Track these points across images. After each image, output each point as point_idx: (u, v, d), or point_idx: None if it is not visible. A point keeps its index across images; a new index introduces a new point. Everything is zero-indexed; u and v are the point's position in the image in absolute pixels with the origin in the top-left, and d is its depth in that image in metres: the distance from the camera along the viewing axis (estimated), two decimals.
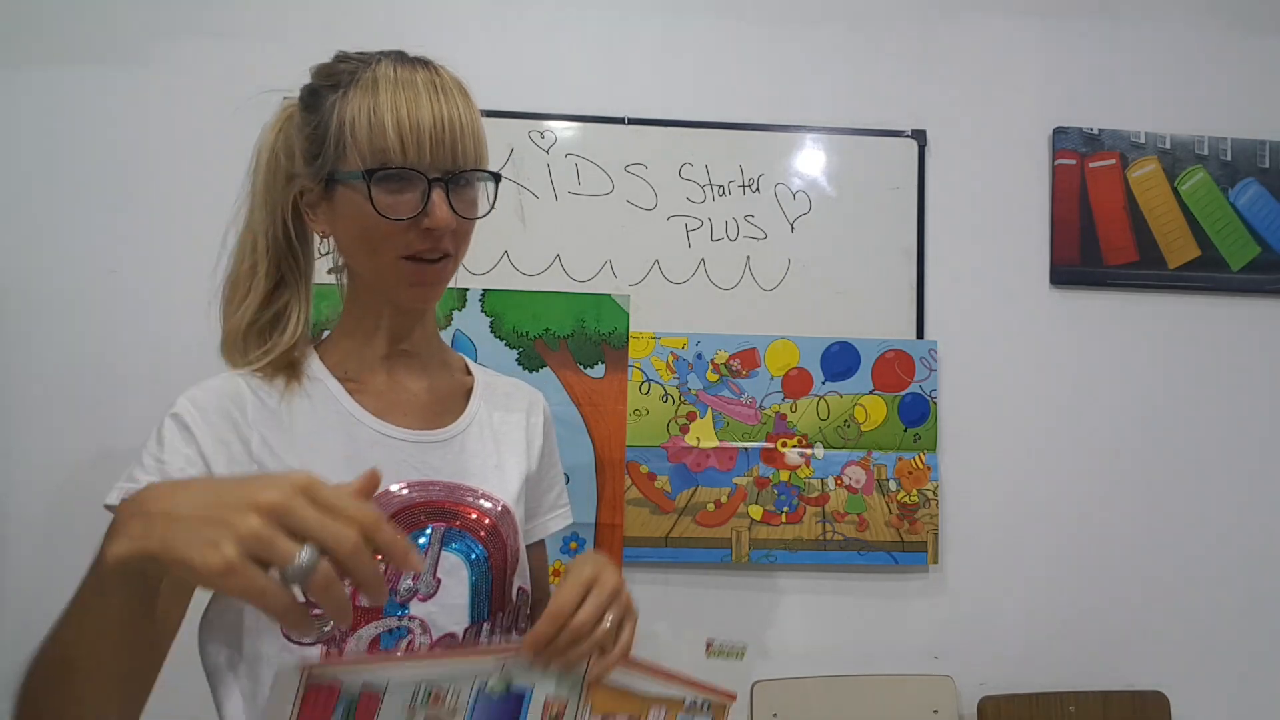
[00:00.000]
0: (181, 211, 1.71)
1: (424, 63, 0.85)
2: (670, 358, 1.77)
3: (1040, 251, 1.87)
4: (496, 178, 0.85)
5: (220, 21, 1.75)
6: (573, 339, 1.76)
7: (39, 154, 1.71)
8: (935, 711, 1.74)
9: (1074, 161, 1.86)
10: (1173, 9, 1.92)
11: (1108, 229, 1.86)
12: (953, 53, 1.88)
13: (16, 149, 1.71)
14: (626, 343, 1.77)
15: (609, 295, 1.77)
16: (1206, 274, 1.88)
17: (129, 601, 0.59)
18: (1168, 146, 1.88)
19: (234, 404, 0.85)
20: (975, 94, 1.88)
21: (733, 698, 0.89)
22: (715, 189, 1.81)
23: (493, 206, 0.86)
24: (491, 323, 1.75)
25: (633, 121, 1.80)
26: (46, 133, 1.71)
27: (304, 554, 0.51)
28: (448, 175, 0.81)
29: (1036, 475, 1.84)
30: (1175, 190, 1.87)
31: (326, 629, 0.63)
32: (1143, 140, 1.87)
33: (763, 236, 1.81)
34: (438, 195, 0.80)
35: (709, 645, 0.89)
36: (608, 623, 0.78)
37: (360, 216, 0.82)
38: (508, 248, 1.77)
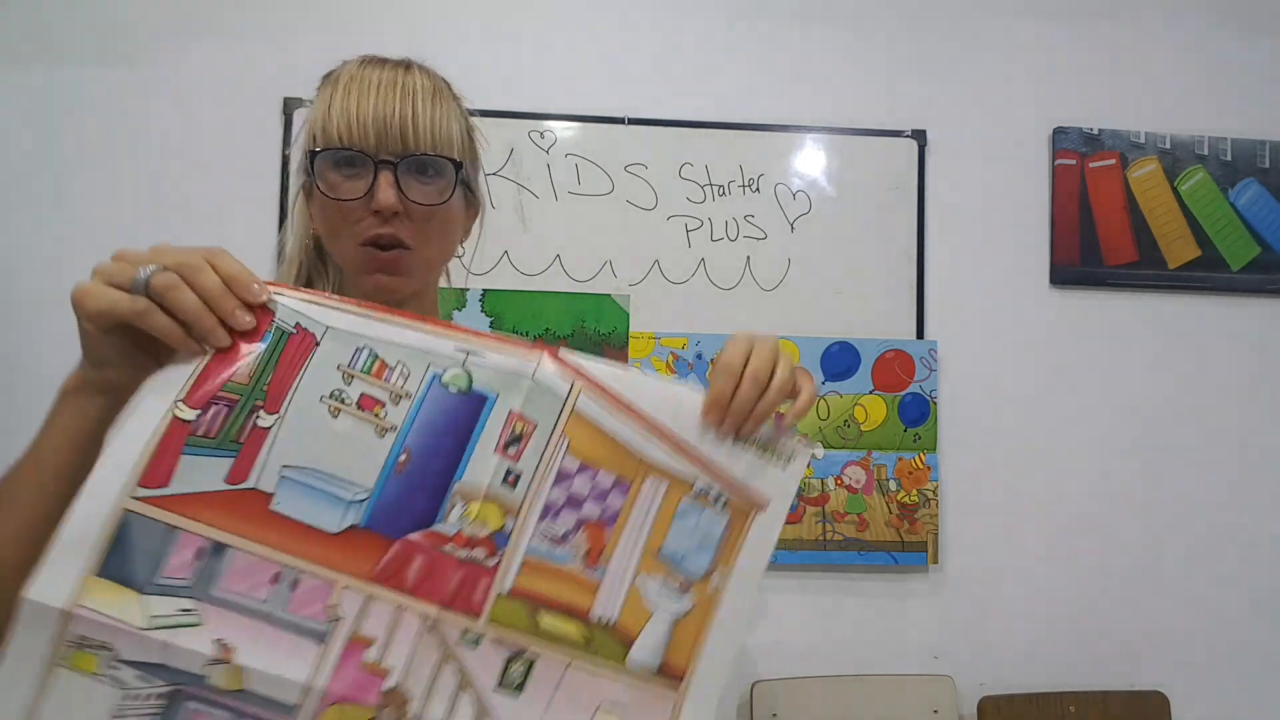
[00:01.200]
0: (182, 211, 1.71)
1: (397, 63, 0.84)
2: (670, 358, 1.77)
3: (1040, 251, 1.87)
4: (457, 165, 0.83)
5: (221, 22, 1.75)
6: (573, 339, 1.76)
7: (39, 154, 1.71)
8: (935, 711, 1.74)
9: (1074, 161, 1.86)
10: (1172, 9, 1.92)
11: (1108, 229, 1.86)
12: (953, 53, 1.88)
13: (17, 149, 1.71)
14: (626, 343, 1.77)
15: (609, 295, 1.77)
16: (1206, 274, 1.88)
17: (78, 422, 0.64)
18: (1168, 146, 1.88)
19: None
20: (975, 94, 1.88)
21: (761, 505, 0.68)
22: (715, 189, 1.81)
23: (451, 194, 0.84)
24: (491, 323, 1.75)
25: (633, 121, 1.80)
26: (47, 133, 1.71)
27: (145, 269, 0.60)
28: (400, 159, 0.80)
29: (1036, 475, 1.84)
30: (1175, 190, 1.87)
31: (204, 344, 0.60)
32: (1143, 140, 1.87)
33: (763, 236, 1.81)
34: (383, 177, 0.80)
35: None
36: (785, 370, 0.69)
37: (321, 204, 0.83)
38: (508, 248, 1.77)
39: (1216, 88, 1.91)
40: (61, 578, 0.56)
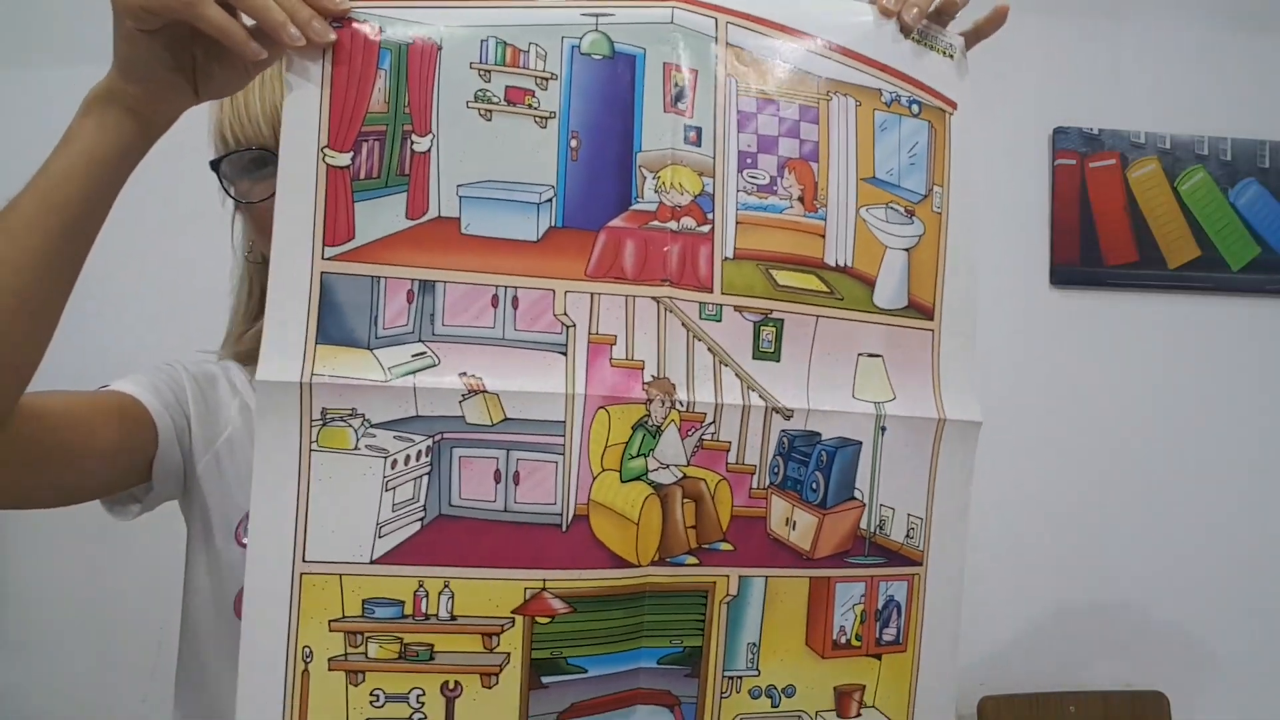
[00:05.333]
0: (183, 211, 1.70)
1: None
2: None
3: (1040, 251, 1.87)
4: None
5: None
6: None
7: (39, 154, 1.70)
8: None
9: (1074, 161, 1.86)
10: (1173, 9, 1.92)
11: (1108, 229, 1.86)
12: None
13: (16, 149, 1.70)
14: None
15: None
16: (1206, 274, 1.87)
17: (94, 142, 0.61)
18: (1168, 146, 1.87)
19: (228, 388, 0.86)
20: (975, 94, 1.87)
21: (952, 105, 0.68)
22: None
23: None
24: None
25: None
26: (47, 133, 1.71)
27: None
28: None
29: (1036, 475, 1.84)
30: (1175, 190, 1.87)
31: (277, 38, 0.54)
32: (1143, 140, 1.87)
33: None
34: None
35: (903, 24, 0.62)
36: None
37: (245, 213, 0.83)
38: None
39: (1216, 88, 1.91)
40: (288, 354, 0.52)
